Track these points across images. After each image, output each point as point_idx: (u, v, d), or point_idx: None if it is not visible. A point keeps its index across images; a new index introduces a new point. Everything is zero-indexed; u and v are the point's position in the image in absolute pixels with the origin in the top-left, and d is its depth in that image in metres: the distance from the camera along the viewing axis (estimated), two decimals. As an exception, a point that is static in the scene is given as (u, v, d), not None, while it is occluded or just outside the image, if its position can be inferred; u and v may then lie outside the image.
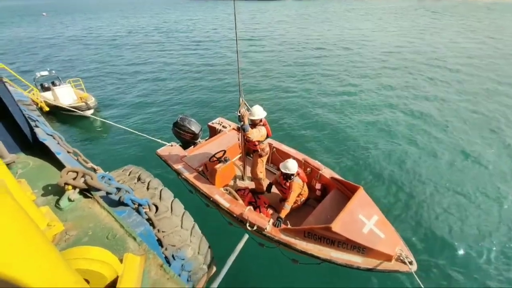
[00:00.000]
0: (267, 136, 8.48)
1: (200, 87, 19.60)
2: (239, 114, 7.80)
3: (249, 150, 8.95)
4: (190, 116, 11.21)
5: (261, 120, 8.26)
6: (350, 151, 13.07)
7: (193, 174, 8.98)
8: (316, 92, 17.38)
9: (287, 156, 9.85)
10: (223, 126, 11.64)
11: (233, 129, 11.41)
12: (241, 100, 7.97)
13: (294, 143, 13.10)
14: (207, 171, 8.96)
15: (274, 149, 10.36)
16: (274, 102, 16.53)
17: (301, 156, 9.64)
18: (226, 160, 8.87)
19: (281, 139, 12.01)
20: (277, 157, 10.31)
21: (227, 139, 10.67)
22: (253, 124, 8.24)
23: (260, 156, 8.75)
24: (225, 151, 9.26)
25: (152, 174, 6.17)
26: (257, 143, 8.42)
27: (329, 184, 8.66)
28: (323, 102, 16.20)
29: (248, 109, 7.96)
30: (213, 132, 11.71)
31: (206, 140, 11.11)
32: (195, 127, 10.65)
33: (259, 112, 8.12)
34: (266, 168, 10.41)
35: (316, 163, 9.26)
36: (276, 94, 17.50)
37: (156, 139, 11.17)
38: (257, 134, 8.05)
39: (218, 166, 8.68)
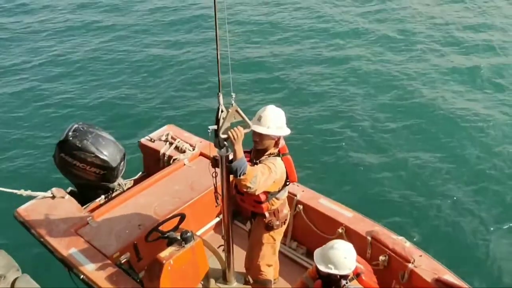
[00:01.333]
0: (288, 182, 4.10)
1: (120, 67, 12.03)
2: (221, 134, 3.69)
3: (244, 210, 4.87)
4: (97, 127, 5.54)
5: (277, 143, 3.93)
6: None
7: (105, 270, 4.41)
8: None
9: (328, 223, 5.00)
10: (176, 148, 5.86)
11: (202, 155, 5.83)
12: (220, 99, 3.71)
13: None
14: (139, 265, 4.77)
15: (300, 206, 5.15)
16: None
17: (362, 225, 4.88)
18: (185, 238, 4.23)
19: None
20: (305, 226, 5.19)
21: (187, 179, 5.52)
22: (259, 149, 3.95)
23: (271, 227, 4.20)
24: (182, 216, 4.63)
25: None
26: (264, 197, 3.96)
27: None
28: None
29: (244, 122, 3.73)
30: (152, 159, 6.06)
31: (133, 180, 5.96)
32: (109, 151, 5.31)
33: (279, 119, 3.89)
34: (282, 252, 5.18)
35: (399, 243, 4.64)
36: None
37: (11, 190, 5.26)
38: (265, 178, 3.74)
39: (167, 255, 4.19)
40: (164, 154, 5.69)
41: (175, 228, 4.37)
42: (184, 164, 5.55)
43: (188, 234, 4.08)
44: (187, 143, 5.80)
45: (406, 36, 13.09)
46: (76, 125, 5.16)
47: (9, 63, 11.86)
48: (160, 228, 4.36)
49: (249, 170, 3.56)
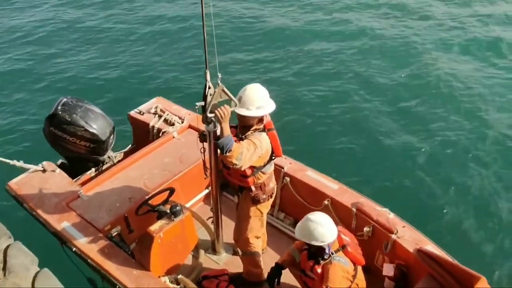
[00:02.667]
0: (273, 156, 4.13)
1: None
2: (208, 113, 3.72)
3: (231, 183, 4.46)
4: (86, 101, 5.39)
5: (261, 119, 3.96)
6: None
7: (97, 243, 4.42)
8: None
9: (315, 195, 5.00)
10: (165, 120, 5.79)
11: (190, 127, 5.74)
12: (207, 76, 3.77)
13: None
14: (130, 237, 4.77)
15: (288, 178, 5.13)
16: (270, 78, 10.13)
17: (347, 197, 4.90)
18: (175, 212, 4.24)
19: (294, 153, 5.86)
20: (292, 197, 5.20)
21: (176, 152, 5.44)
22: (244, 125, 3.99)
23: (257, 201, 4.22)
24: (171, 191, 4.63)
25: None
26: (249, 171, 4.00)
27: (413, 265, 4.47)
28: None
29: (231, 100, 3.74)
30: (141, 132, 5.95)
31: (123, 153, 5.91)
32: (98, 125, 5.23)
33: (259, 99, 3.87)
34: (270, 223, 5.25)
35: (383, 214, 4.67)
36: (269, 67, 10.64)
37: (4, 160, 5.10)
38: (251, 154, 3.77)
39: (157, 228, 4.20)
40: (153, 127, 5.61)
41: (165, 202, 4.41)
42: (173, 137, 5.49)
43: (177, 208, 4.13)
44: (176, 115, 5.71)
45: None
46: (65, 99, 5.06)
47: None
48: (150, 201, 4.41)
49: (235, 147, 3.59)
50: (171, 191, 4.44)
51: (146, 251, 4.07)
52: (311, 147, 7.89)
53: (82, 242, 4.29)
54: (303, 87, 9.58)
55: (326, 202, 4.74)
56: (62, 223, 4.45)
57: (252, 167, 3.93)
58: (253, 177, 4.01)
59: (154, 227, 4.08)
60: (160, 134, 5.57)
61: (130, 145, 5.95)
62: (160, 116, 5.67)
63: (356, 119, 8.74)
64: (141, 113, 5.75)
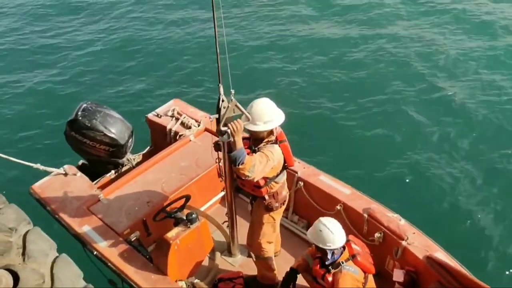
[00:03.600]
0: (286, 166, 4.25)
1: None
2: (221, 127, 3.78)
3: (245, 190, 4.51)
4: (105, 106, 5.51)
5: (272, 131, 4.05)
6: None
7: (117, 247, 4.49)
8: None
9: (328, 199, 5.05)
10: (182, 123, 5.84)
11: (207, 130, 5.82)
12: (221, 90, 3.88)
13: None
14: (148, 240, 4.92)
15: (301, 183, 5.18)
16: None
17: (359, 202, 4.94)
18: (191, 220, 4.31)
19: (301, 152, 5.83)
20: (306, 201, 5.23)
21: (193, 155, 5.52)
22: (256, 138, 4.10)
23: (270, 209, 4.32)
24: (188, 198, 4.69)
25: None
26: (263, 182, 4.11)
27: (422, 271, 4.48)
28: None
29: (243, 114, 3.82)
30: (159, 135, 6.03)
31: (141, 155, 5.98)
32: (117, 129, 5.34)
33: (266, 114, 3.96)
34: (284, 225, 5.34)
35: (394, 220, 4.69)
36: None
37: (29, 164, 5.21)
38: (263, 166, 3.87)
39: (174, 235, 4.29)
40: (170, 130, 5.70)
41: (182, 208, 4.53)
42: (190, 140, 5.56)
43: (193, 215, 4.23)
44: (192, 118, 5.77)
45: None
46: (85, 105, 5.18)
47: (20, 45, 11.49)
48: (167, 208, 4.54)
49: (248, 159, 3.69)
50: (187, 198, 4.56)
51: (164, 257, 4.20)
52: (328, 150, 7.91)
53: (102, 246, 4.43)
54: (318, 94, 9.46)
55: (338, 207, 4.81)
56: (83, 226, 4.59)
57: (265, 178, 4.03)
58: (266, 187, 4.11)
59: (171, 234, 4.20)
60: (177, 137, 5.65)
61: (148, 147, 6.06)
62: (177, 119, 5.75)
63: (372, 128, 8.57)
64: (159, 115, 5.84)
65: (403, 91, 9.31)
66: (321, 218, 4.04)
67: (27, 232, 3.40)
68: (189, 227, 4.23)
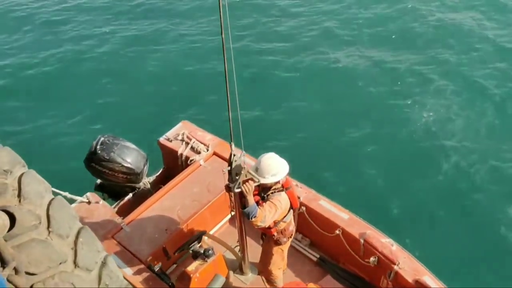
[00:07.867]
0: (292, 208, 4.79)
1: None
2: (235, 189, 4.28)
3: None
4: (121, 138, 5.90)
5: (278, 181, 4.55)
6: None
7: (141, 274, 4.96)
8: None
9: (327, 224, 5.48)
10: (192, 148, 6.16)
11: (215, 154, 6.14)
12: (233, 146, 4.29)
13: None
14: (168, 263, 5.44)
15: (303, 208, 5.54)
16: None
17: (356, 228, 5.35)
18: (208, 255, 4.87)
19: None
20: (308, 223, 5.64)
21: (203, 180, 5.89)
22: (264, 187, 4.60)
23: (279, 243, 4.90)
24: (202, 233, 5.22)
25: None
26: (272, 224, 4.64)
27: None
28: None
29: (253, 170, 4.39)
30: (171, 158, 6.40)
31: (156, 176, 6.50)
32: (132, 159, 5.74)
33: (273, 168, 4.44)
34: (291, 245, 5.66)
35: (387, 246, 5.12)
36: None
37: (59, 191, 5.24)
38: (273, 215, 4.45)
39: (193, 269, 4.83)
40: (181, 154, 6.04)
41: (198, 240, 5.04)
42: (200, 165, 5.92)
43: (210, 251, 4.74)
44: (201, 143, 6.08)
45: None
46: (102, 138, 5.54)
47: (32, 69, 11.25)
48: (185, 246, 5.01)
49: (259, 213, 4.21)
50: (202, 233, 5.07)
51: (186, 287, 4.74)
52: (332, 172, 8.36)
53: (128, 273, 4.85)
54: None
55: (337, 231, 5.21)
56: (110, 255, 5.06)
57: (274, 221, 4.51)
58: (276, 227, 4.60)
59: (191, 268, 4.70)
60: (188, 162, 5.99)
61: (161, 168, 6.45)
62: (187, 144, 6.06)
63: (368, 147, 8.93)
64: (170, 139, 6.15)
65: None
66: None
67: (22, 174, 3.31)
68: (206, 261, 4.74)
